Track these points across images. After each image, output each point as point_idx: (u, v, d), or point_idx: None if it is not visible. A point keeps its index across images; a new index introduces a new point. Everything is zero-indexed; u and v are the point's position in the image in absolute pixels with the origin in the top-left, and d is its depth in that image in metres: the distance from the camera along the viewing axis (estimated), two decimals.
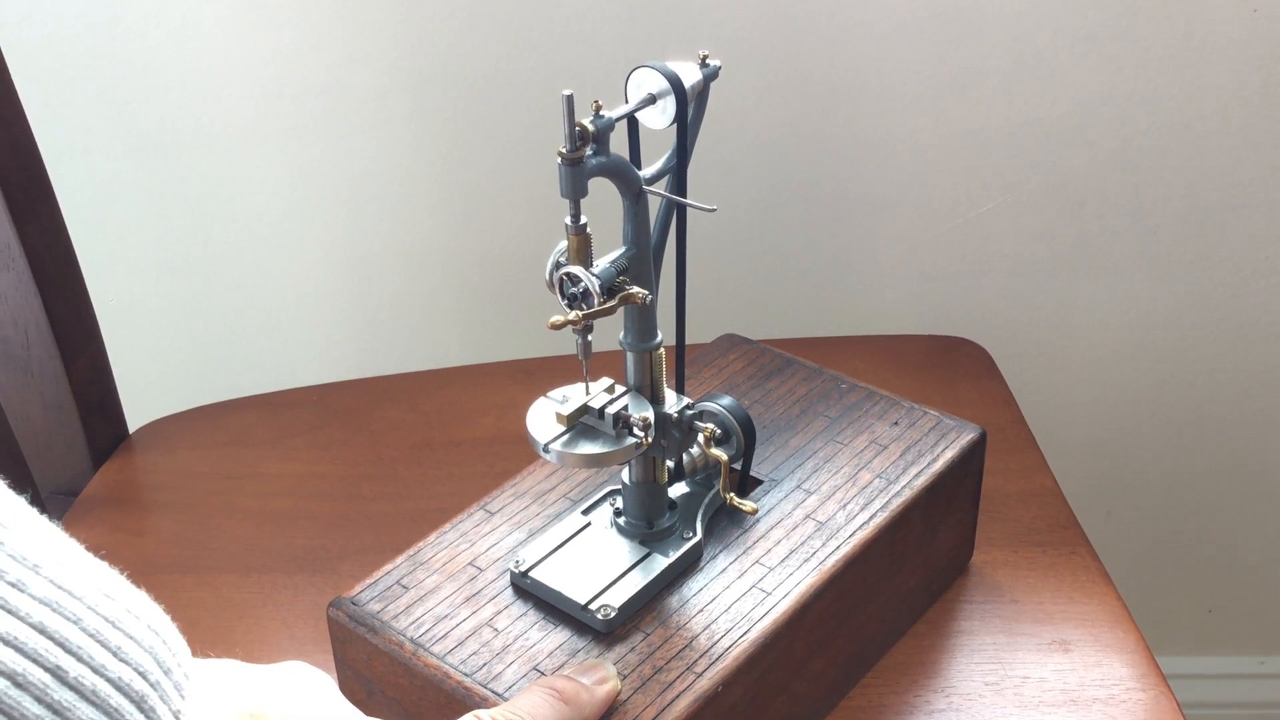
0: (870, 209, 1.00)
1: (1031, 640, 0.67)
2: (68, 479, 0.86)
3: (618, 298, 0.53)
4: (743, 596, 0.58)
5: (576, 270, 0.52)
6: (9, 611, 0.33)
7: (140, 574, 0.75)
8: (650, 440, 0.56)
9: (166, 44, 0.95)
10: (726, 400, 0.63)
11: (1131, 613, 0.69)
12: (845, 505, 0.63)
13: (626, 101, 0.54)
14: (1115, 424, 1.10)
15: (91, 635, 0.35)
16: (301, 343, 1.08)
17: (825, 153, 0.98)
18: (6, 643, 0.33)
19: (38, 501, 0.82)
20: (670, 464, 0.62)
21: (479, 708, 0.53)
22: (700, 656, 0.55)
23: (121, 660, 0.36)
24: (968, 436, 0.68)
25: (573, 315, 0.52)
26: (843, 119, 0.97)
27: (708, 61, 0.55)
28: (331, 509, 0.80)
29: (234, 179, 1.01)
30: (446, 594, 0.59)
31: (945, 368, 0.90)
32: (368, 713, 0.59)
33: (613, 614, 0.56)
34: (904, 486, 0.64)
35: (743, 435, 0.62)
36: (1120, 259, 1.02)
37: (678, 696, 0.53)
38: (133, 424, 0.90)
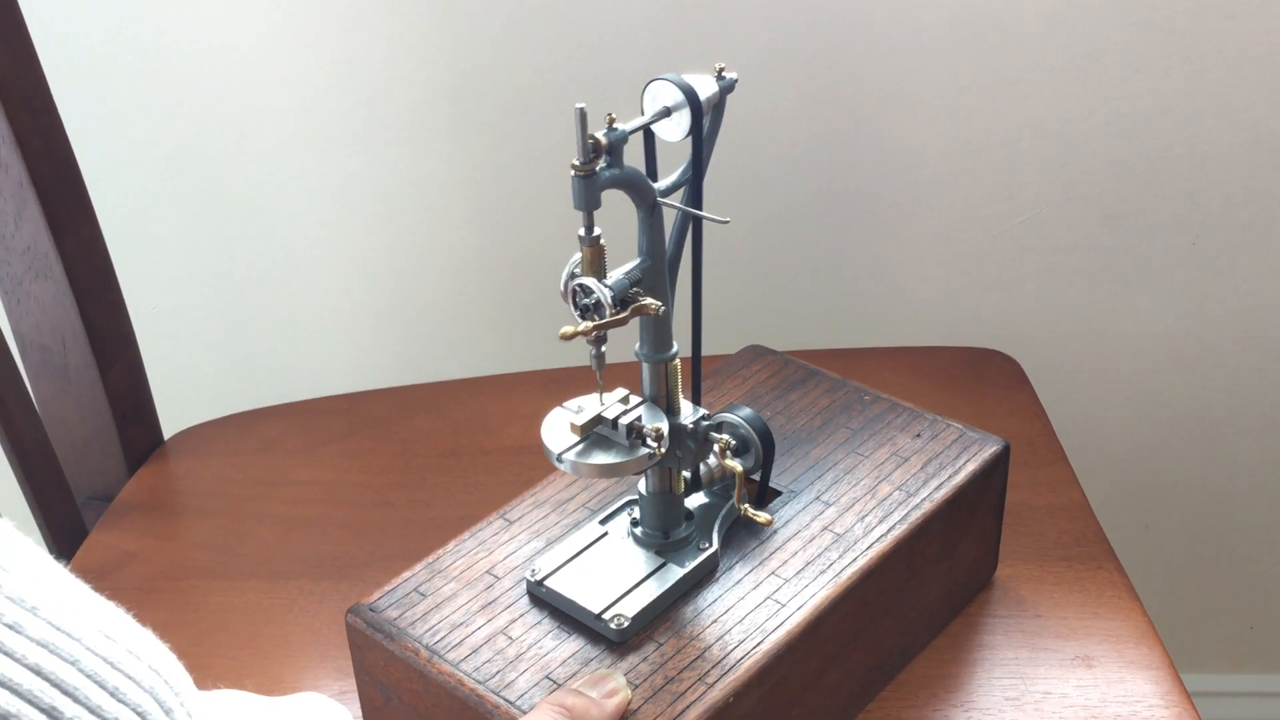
0: (902, 219, 1.00)
1: (1054, 655, 0.66)
2: (103, 484, 0.87)
3: (630, 309, 0.53)
4: (757, 608, 0.58)
5: (589, 281, 0.52)
6: (4, 653, 0.34)
7: (171, 578, 0.77)
8: (664, 451, 0.56)
9: (204, 56, 0.96)
10: (745, 411, 0.63)
11: (1170, 628, 0.68)
12: (864, 517, 0.63)
13: (643, 114, 0.54)
14: (1152, 436, 1.08)
15: (89, 676, 0.35)
16: (334, 352, 1.10)
17: (855, 162, 0.98)
18: (1, 684, 0.33)
19: (72, 507, 0.83)
20: (687, 475, 0.62)
21: (491, 715, 0.54)
22: (712, 667, 0.55)
23: (119, 701, 0.36)
24: (991, 449, 0.67)
25: (583, 326, 0.52)
26: (873, 128, 0.96)
27: (724, 74, 0.55)
28: (360, 516, 0.81)
29: (269, 190, 1.02)
30: (463, 601, 0.59)
31: (975, 379, 0.89)
32: (384, 719, 0.60)
33: (626, 623, 0.56)
34: (924, 499, 0.64)
35: (761, 446, 0.62)
36: (1156, 271, 1.00)
37: (689, 707, 0.53)
38: (167, 431, 0.91)
